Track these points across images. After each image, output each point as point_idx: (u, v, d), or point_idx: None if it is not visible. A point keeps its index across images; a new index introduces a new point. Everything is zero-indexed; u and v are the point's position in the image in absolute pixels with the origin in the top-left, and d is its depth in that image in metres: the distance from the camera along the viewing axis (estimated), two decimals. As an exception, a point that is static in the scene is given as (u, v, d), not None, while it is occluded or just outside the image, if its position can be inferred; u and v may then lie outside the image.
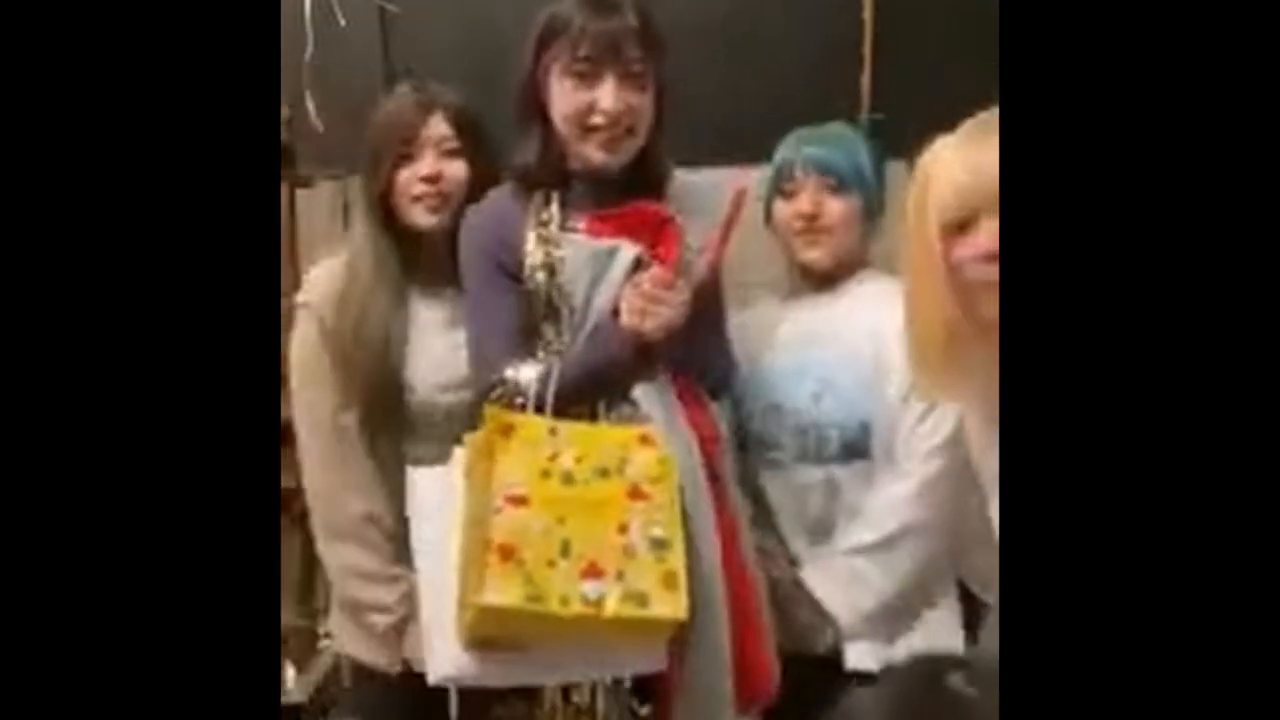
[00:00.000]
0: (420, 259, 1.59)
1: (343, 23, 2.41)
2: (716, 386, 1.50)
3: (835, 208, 1.64)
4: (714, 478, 1.41)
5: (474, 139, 1.59)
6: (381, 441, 1.54)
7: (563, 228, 1.44)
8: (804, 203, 1.64)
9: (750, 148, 1.77)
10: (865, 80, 2.43)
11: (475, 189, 1.55)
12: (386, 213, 1.59)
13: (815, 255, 1.66)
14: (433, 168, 1.57)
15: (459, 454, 1.34)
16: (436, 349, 1.55)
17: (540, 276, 1.42)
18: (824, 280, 1.68)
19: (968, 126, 1.17)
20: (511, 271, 1.44)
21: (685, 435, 1.39)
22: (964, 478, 1.47)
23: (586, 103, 1.40)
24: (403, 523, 1.42)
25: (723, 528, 1.39)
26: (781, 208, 1.67)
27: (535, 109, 1.45)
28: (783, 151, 1.70)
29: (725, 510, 1.41)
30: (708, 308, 1.42)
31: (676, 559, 1.27)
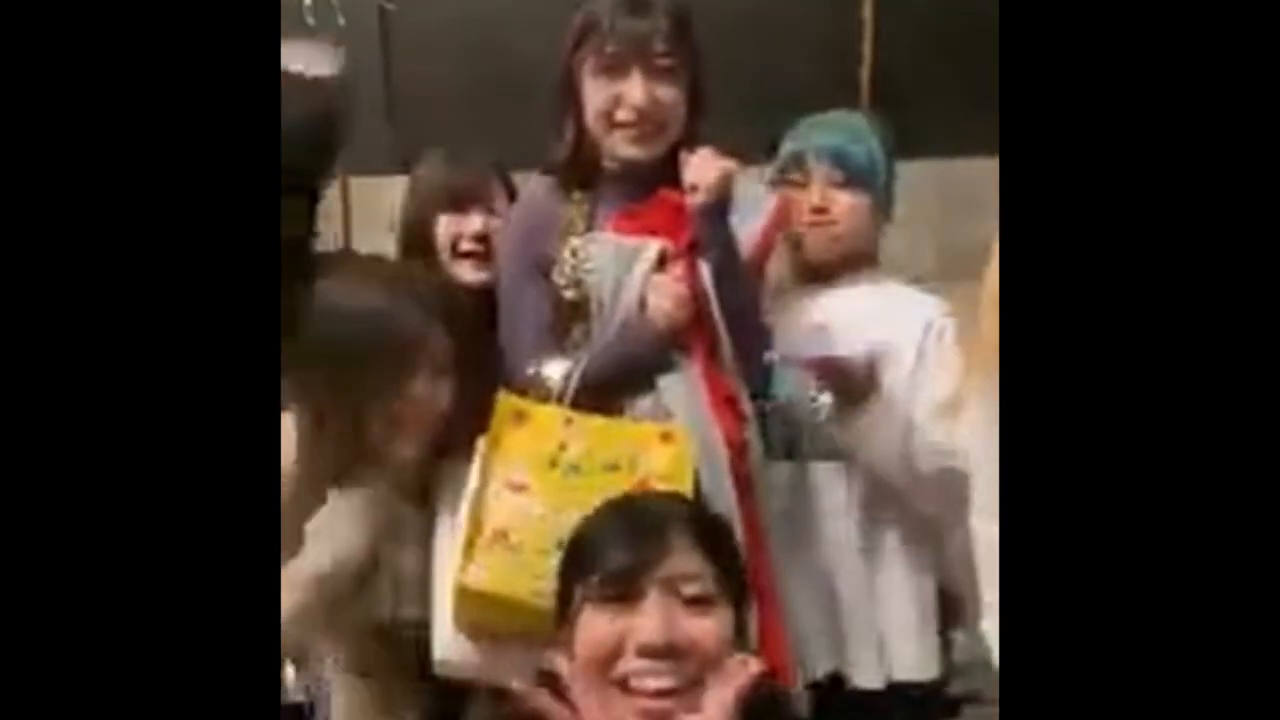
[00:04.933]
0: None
1: (342, 23, 2.41)
2: (756, 356, 1.47)
3: (844, 202, 1.57)
4: (740, 481, 1.39)
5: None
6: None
7: (591, 225, 1.45)
8: (813, 195, 1.57)
9: (747, 144, 1.76)
10: (864, 77, 2.43)
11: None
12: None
13: (820, 251, 1.58)
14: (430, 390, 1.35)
15: (482, 447, 1.33)
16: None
17: (570, 274, 1.43)
18: (825, 276, 1.60)
19: None
20: (544, 268, 1.44)
21: (710, 434, 1.38)
22: None
23: (614, 96, 1.41)
24: None
25: (748, 532, 1.37)
26: (787, 198, 1.58)
27: (568, 107, 1.46)
28: (792, 139, 1.62)
29: (752, 515, 1.39)
30: (734, 273, 1.42)
31: None
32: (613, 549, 1.03)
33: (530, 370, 1.40)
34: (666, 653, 0.96)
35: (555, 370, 1.39)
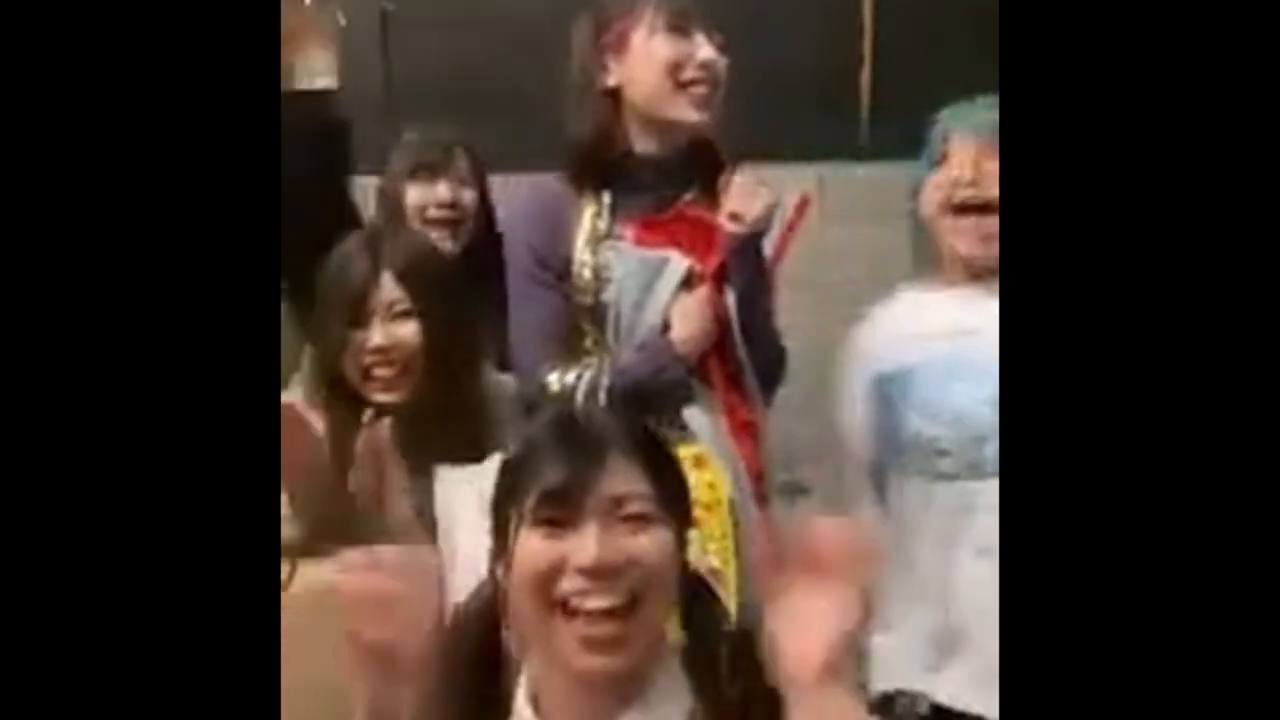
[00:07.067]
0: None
1: (343, 23, 2.41)
2: (770, 375, 1.46)
3: (995, 170, 1.31)
4: (761, 505, 1.37)
5: (430, 294, 1.36)
6: None
7: (610, 233, 1.40)
8: (960, 165, 1.37)
9: (746, 144, 1.75)
10: (865, 77, 2.43)
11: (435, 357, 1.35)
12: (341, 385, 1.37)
13: (980, 236, 1.35)
14: (384, 336, 1.34)
15: (495, 461, 1.30)
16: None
17: (587, 279, 1.38)
18: (971, 274, 1.39)
19: None
20: (555, 269, 1.40)
21: (735, 462, 1.35)
22: None
23: (684, 54, 1.38)
24: None
25: (770, 560, 1.36)
26: (930, 180, 1.41)
27: (592, 88, 1.41)
28: (945, 121, 1.45)
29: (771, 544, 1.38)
30: (760, 302, 1.40)
31: (729, 592, 1.22)
32: (550, 468, 0.98)
33: (550, 378, 1.35)
34: (606, 573, 0.94)
35: (572, 380, 1.34)
